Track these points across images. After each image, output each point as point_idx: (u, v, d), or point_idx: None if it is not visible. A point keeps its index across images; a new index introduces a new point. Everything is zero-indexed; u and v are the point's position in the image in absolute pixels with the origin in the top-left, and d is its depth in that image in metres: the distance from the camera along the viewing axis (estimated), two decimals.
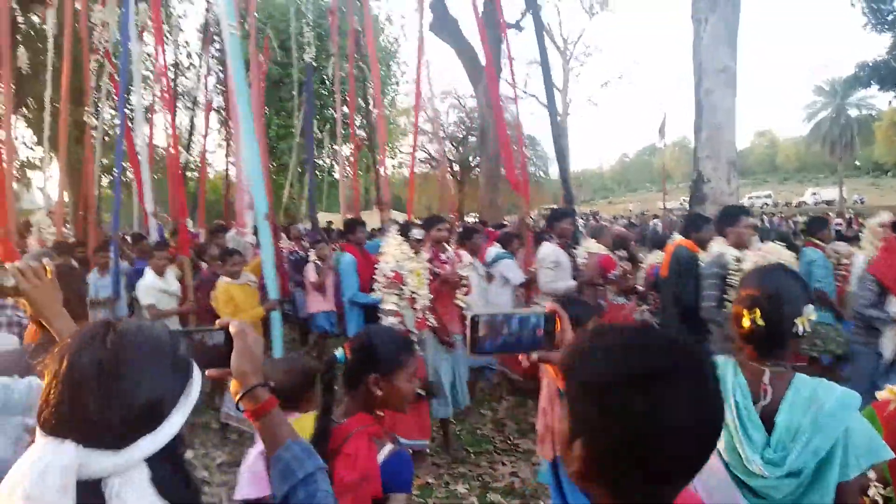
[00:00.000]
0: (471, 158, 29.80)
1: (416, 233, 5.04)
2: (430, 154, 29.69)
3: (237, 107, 5.15)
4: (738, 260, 4.11)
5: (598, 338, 0.94)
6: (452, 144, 30.39)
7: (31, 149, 18.42)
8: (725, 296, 4.06)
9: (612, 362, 0.88)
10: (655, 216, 26.42)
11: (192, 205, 15.76)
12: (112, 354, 0.97)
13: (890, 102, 37.80)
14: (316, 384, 2.25)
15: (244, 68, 5.22)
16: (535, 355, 1.21)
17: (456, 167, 30.33)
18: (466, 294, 5.27)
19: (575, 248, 5.66)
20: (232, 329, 1.30)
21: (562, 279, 5.33)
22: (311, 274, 7.25)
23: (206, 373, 1.27)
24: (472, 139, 28.78)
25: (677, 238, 5.05)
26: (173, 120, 8.61)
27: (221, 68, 16.61)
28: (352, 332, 5.43)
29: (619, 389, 0.85)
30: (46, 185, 13.06)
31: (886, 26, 21.95)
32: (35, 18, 15.64)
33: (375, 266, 4.93)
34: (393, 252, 4.88)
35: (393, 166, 31.13)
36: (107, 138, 20.51)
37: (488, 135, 14.55)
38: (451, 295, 5.14)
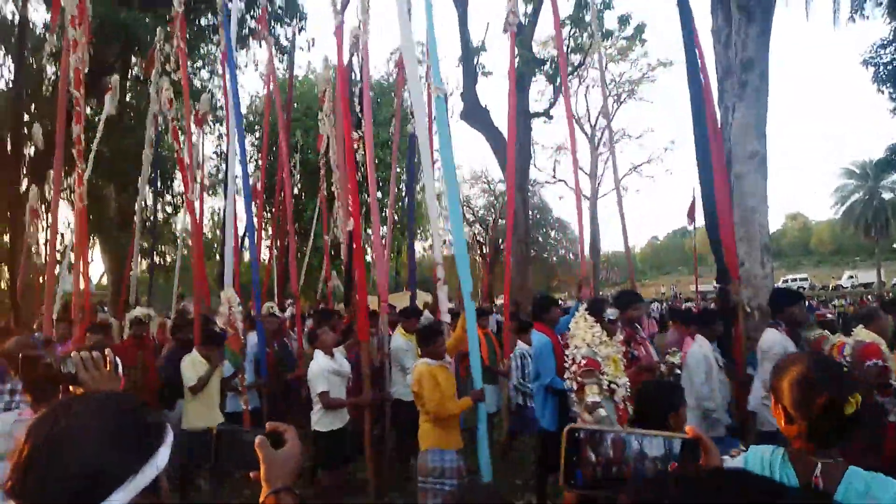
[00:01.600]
0: (500, 241, 30.04)
1: (611, 312, 4.55)
2: None
3: (443, 184, 5.61)
4: None
5: None
6: (482, 227, 30.73)
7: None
8: None
9: None
10: (689, 299, 26.08)
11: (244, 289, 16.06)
12: (60, 430, 0.99)
13: None
14: None
15: (446, 129, 5.20)
16: None
17: (486, 249, 30.56)
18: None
19: (802, 335, 4.88)
20: (257, 442, 1.28)
21: None
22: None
23: (252, 474, 1.28)
24: (502, 222, 29.09)
25: None
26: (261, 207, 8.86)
27: (259, 155, 17.20)
28: (547, 423, 5.08)
29: None
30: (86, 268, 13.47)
31: None
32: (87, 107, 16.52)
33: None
34: (584, 335, 4.35)
35: (423, 248, 31.48)
36: (148, 223, 21.32)
37: (517, 217, 14.71)
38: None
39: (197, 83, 15.93)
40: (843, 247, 70.08)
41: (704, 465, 0.86)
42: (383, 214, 17.23)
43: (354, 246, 7.42)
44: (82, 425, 1.00)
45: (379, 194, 14.11)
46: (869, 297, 30.36)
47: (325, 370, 5.32)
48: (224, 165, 11.94)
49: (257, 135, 19.82)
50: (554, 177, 30.63)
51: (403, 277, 31.40)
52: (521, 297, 14.61)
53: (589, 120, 30.21)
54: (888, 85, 18.61)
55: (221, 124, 18.58)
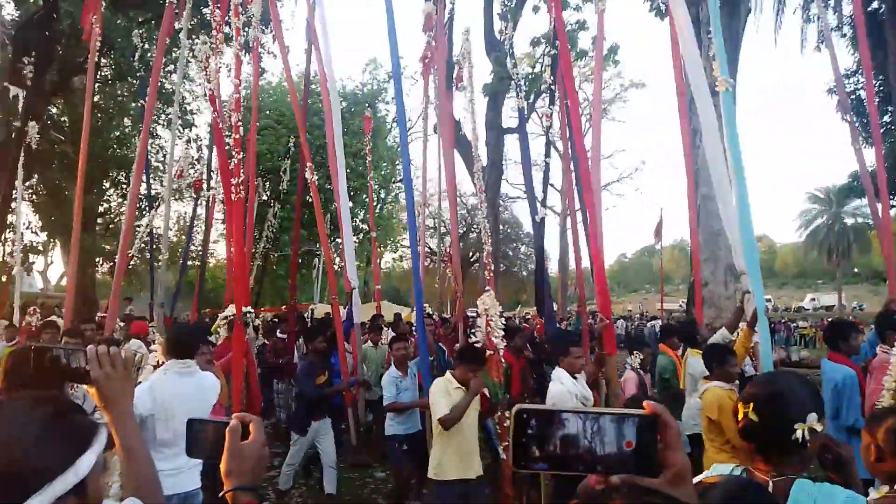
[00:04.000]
0: (470, 254, 30.07)
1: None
2: (430, 248, 29.98)
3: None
4: None
5: None
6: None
7: (35, 233, 18.71)
8: None
9: None
10: (654, 317, 26.36)
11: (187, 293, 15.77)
12: None
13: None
14: None
15: (734, 124, 4.78)
16: (614, 479, 0.80)
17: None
18: None
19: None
20: (230, 427, 1.23)
21: None
22: (631, 386, 6.19)
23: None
24: (472, 235, 29.13)
25: None
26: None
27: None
28: None
29: None
30: (47, 270, 13.17)
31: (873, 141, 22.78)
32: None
33: None
34: None
35: (393, 259, 31.37)
36: (111, 225, 20.93)
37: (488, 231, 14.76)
38: None
39: (169, 87, 15.73)
40: (806, 270, 71.61)
41: (663, 441, 0.82)
42: (355, 224, 17.12)
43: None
44: (4, 430, 1.00)
45: (351, 204, 14.06)
46: (830, 319, 31.54)
47: (569, 395, 4.45)
48: (192, 170, 11.75)
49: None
50: (525, 192, 30.88)
51: (371, 288, 31.28)
52: None
53: (562, 137, 30.38)
54: (852, 113, 19.16)
55: (191, 129, 18.36)
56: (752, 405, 1.73)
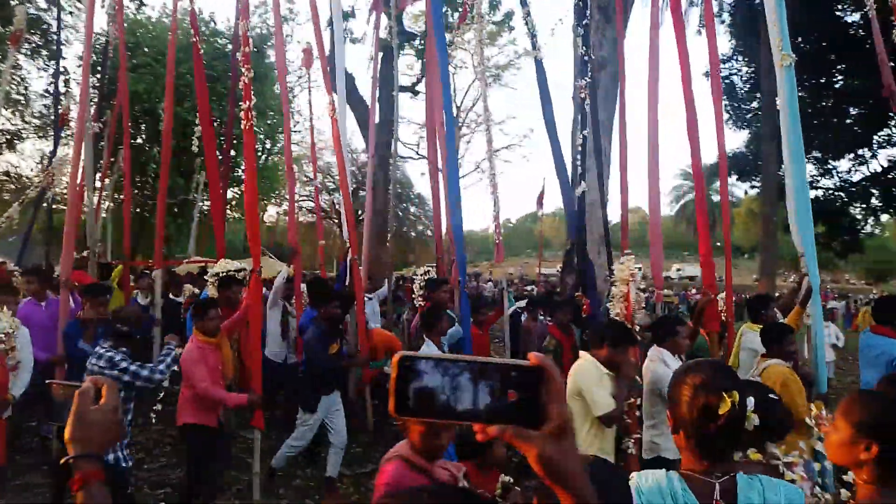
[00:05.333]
0: (359, 212, 29.75)
1: None
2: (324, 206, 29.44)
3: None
4: None
5: None
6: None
7: None
8: None
9: None
10: (532, 281, 27.30)
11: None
12: None
13: (746, 192, 41.77)
14: None
15: (795, 102, 4.48)
16: (494, 429, 0.78)
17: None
18: None
19: None
20: (80, 389, 1.15)
21: None
22: None
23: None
24: (363, 193, 28.81)
25: None
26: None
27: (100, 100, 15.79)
28: None
29: None
30: None
31: (745, 124, 24.47)
32: None
33: None
34: None
35: (278, 213, 30.56)
36: None
37: (377, 190, 14.63)
38: None
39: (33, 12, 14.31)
40: (674, 241, 76.41)
41: (547, 394, 0.79)
42: (237, 174, 16.46)
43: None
44: None
45: (233, 153, 13.48)
46: (693, 289, 34.09)
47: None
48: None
49: (99, 76, 18.10)
50: (417, 153, 30.68)
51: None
52: (376, 271, 14.57)
53: (455, 101, 30.53)
54: (725, 97, 20.49)
55: (54, 60, 16.79)
56: (736, 394, 1.59)
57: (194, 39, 7.59)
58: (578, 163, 6.60)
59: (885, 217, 25.24)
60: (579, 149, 6.49)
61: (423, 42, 15.74)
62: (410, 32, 17.35)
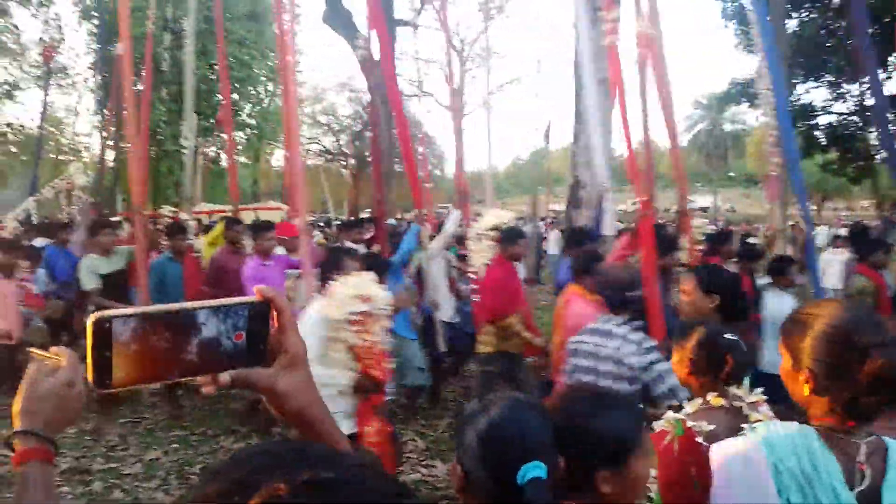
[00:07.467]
0: (367, 153, 29.47)
1: None
2: (325, 147, 29.20)
3: None
4: None
5: None
6: (349, 139, 30.00)
7: None
8: None
9: None
10: (543, 218, 27.20)
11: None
12: None
13: (757, 119, 40.95)
14: None
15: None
16: (223, 377, 0.70)
17: (352, 161, 29.94)
18: None
19: None
20: (32, 357, 1.05)
21: None
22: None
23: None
24: (369, 133, 28.47)
25: None
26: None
27: (100, 46, 15.61)
28: None
29: None
30: None
31: (755, 48, 23.74)
32: None
33: None
34: None
35: (284, 157, 30.44)
36: None
37: (382, 131, 14.46)
38: None
39: None
40: (687, 173, 75.75)
41: (278, 326, 0.73)
42: (241, 119, 16.34)
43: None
44: None
45: (236, 96, 13.33)
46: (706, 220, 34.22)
47: None
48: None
49: (95, 22, 17.77)
50: (421, 90, 30.19)
51: (262, 188, 30.32)
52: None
53: (458, 35, 29.74)
54: (734, 21, 19.81)
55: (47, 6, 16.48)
56: None
57: None
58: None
59: None
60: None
61: None
62: None
